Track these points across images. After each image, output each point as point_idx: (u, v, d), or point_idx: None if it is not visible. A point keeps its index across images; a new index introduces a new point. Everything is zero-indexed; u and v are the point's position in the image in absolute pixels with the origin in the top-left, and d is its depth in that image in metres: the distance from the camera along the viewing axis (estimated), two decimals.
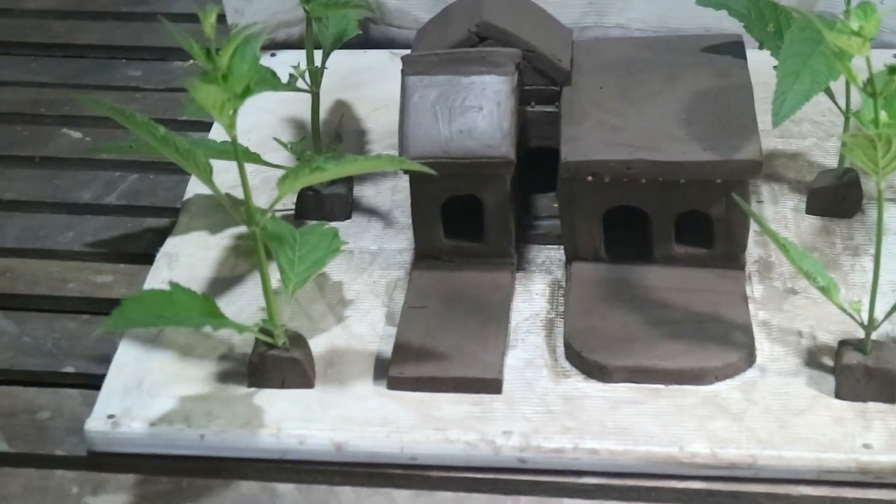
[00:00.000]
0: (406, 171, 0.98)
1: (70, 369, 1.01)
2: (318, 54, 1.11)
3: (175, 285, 0.91)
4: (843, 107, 1.05)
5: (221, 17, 1.33)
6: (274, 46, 1.34)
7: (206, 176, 0.89)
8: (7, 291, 1.09)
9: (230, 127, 0.86)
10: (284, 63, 1.13)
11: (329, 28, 1.10)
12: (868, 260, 1.04)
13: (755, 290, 1.02)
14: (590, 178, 0.98)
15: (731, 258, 1.01)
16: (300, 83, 1.08)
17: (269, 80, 1.04)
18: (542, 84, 1.05)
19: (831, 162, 1.12)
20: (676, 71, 1.06)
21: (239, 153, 0.89)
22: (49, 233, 1.15)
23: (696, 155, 0.97)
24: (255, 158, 1.06)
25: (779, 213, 1.09)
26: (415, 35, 1.11)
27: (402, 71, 1.01)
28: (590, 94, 1.04)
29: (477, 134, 0.98)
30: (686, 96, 1.03)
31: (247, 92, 0.87)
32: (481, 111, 0.99)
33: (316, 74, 1.09)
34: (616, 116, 1.01)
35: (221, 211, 1.09)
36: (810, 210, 1.09)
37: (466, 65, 1.00)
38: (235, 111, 0.86)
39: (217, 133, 1.19)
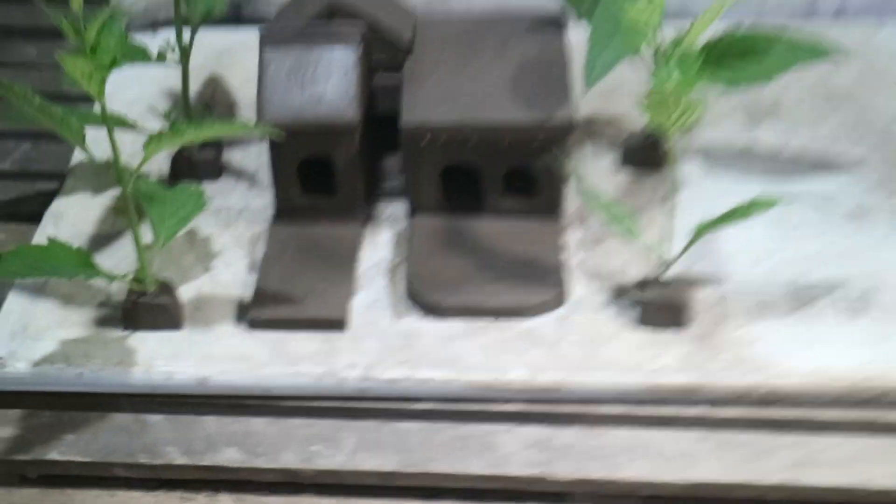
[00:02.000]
0: (264, 134, 1.00)
1: None
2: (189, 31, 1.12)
3: (52, 240, 0.92)
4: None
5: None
6: (157, 24, 1.33)
7: (80, 140, 0.91)
8: None
9: (99, 95, 0.88)
10: (165, 39, 1.13)
11: (197, 6, 1.09)
12: (672, 207, 1.07)
13: (574, 236, 1.04)
14: (426, 139, 1.00)
15: (552, 208, 1.03)
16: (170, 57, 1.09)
17: (140, 54, 1.04)
18: (386, 56, 1.06)
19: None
20: (505, 43, 1.08)
21: (108, 120, 0.90)
22: None
23: (519, 117, 0.99)
24: (132, 125, 1.07)
25: (598, 167, 1.11)
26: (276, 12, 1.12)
27: (260, 44, 1.02)
28: (429, 65, 1.06)
29: (326, 100, 1.00)
30: (512, 66, 1.05)
31: (113, 63, 0.88)
32: (330, 80, 1.00)
33: (185, 49, 1.09)
34: (450, 83, 1.03)
35: (104, 174, 1.09)
36: (625, 163, 1.11)
37: (317, 38, 1.02)
38: (103, 80, 0.88)
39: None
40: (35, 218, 1.10)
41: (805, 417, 0.90)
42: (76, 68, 0.85)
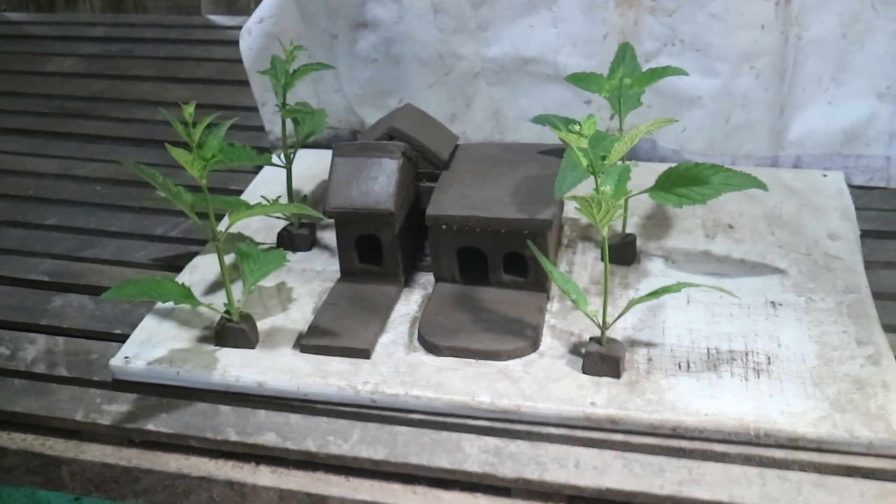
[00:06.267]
0: (328, 216, 1.05)
1: (118, 331, 1.07)
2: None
3: (164, 277, 0.98)
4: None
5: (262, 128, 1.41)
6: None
7: (188, 209, 0.97)
8: (95, 284, 1.15)
9: (201, 178, 0.94)
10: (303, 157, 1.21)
11: (304, 128, 1.16)
12: (633, 292, 1.06)
13: (554, 306, 1.05)
14: (444, 227, 1.03)
15: (539, 284, 1.04)
16: (276, 160, 1.14)
17: (250, 155, 1.10)
18: (429, 168, 1.10)
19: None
20: (517, 164, 1.10)
21: (208, 199, 0.96)
22: (131, 252, 1.21)
23: (510, 214, 1.01)
24: (236, 204, 1.10)
25: (584, 260, 1.12)
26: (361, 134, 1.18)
27: (332, 154, 1.07)
28: (457, 176, 1.09)
29: (372, 195, 1.04)
30: (518, 179, 1.07)
31: (213, 158, 0.94)
32: (377, 180, 1.04)
33: (289, 156, 1.15)
34: (469, 189, 1.06)
35: (230, 242, 1.15)
36: (604, 258, 1.11)
37: (372, 151, 1.06)
38: (204, 168, 0.93)
39: (248, 195, 1.26)
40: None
41: (697, 448, 0.89)
42: (180, 156, 0.91)
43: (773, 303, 1.03)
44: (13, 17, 2.02)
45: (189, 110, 0.92)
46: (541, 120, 1.12)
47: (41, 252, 1.23)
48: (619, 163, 1.00)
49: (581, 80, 1.06)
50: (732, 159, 1.29)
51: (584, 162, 0.88)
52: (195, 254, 1.19)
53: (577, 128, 0.87)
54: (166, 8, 1.92)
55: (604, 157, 0.88)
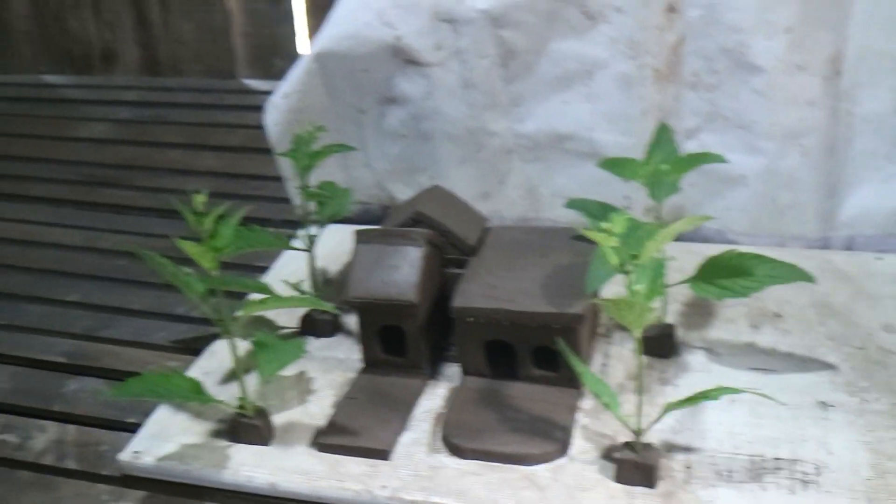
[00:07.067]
0: (350, 306, 1.01)
1: (131, 419, 1.04)
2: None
3: (174, 371, 0.95)
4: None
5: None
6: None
7: (199, 297, 0.93)
8: (111, 367, 1.13)
9: (211, 268, 0.90)
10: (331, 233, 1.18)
11: (326, 209, 1.13)
12: (672, 388, 1.01)
13: (587, 403, 0.99)
14: (470, 319, 0.99)
15: (571, 380, 0.99)
16: (297, 244, 1.11)
17: (267, 240, 1.07)
18: (455, 254, 1.06)
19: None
20: (548, 250, 1.06)
21: (219, 284, 0.92)
22: (150, 332, 1.18)
23: (540, 307, 0.97)
24: (258, 287, 1.07)
25: (621, 352, 1.07)
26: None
27: (355, 240, 1.04)
28: (485, 263, 1.05)
29: (394, 285, 1.00)
30: (548, 267, 1.03)
31: (225, 248, 0.91)
32: (400, 269, 1.00)
33: (311, 240, 1.11)
34: (496, 278, 1.02)
35: (250, 326, 1.11)
36: (638, 363, 1.05)
37: (395, 238, 1.02)
38: (215, 258, 0.90)
39: (271, 276, 1.23)
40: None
41: None
42: (188, 248, 0.88)
43: (822, 403, 0.97)
44: (50, 79, 2.02)
45: (200, 199, 0.89)
46: (575, 205, 1.07)
47: (60, 331, 1.21)
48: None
49: (615, 165, 1.01)
50: (780, 240, 1.23)
51: (615, 260, 0.83)
52: (216, 336, 1.15)
53: (606, 225, 0.82)
54: (201, 71, 1.91)
55: (635, 256, 0.82)
